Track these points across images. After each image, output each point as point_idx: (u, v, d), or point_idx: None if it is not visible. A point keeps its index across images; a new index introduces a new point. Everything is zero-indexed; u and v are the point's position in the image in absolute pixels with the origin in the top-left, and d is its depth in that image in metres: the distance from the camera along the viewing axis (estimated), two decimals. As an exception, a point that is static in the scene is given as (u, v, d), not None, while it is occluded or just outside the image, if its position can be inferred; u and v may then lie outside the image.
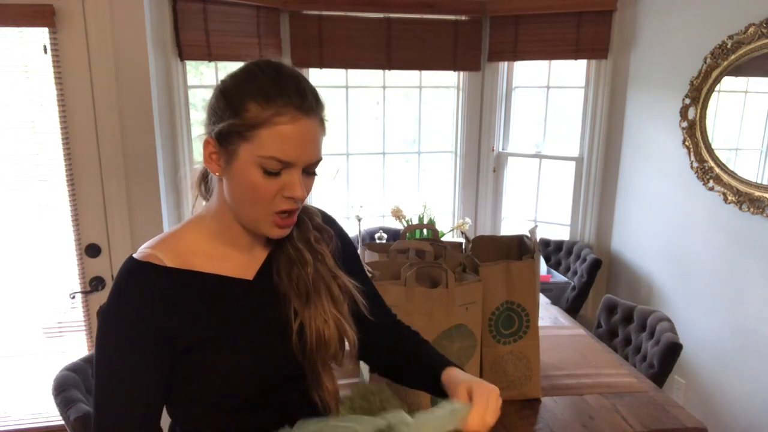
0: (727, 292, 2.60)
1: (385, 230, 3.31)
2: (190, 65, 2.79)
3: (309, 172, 0.90)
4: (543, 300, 2.37)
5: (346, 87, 3.48)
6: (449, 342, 1.49)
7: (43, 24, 2.13)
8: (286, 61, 3.12)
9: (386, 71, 3.47)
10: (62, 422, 1.48)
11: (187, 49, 2.66)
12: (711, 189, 2.64)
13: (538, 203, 3.68)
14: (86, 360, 1.72)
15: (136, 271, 0.89)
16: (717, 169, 2.61)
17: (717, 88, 2.62)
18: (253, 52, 2.96)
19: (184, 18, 2.61)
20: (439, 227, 3.14)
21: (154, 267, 0.89)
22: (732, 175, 2.54)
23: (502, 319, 1.58)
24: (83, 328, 2.44)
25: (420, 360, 1.10)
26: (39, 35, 2.17)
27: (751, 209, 2.42)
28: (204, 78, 2.99)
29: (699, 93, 2.69)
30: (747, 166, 2.50)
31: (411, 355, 1.11)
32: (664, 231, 3.01)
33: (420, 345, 1.14)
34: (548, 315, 2.26)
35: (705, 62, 2.63)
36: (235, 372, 0.91)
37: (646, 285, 3.16)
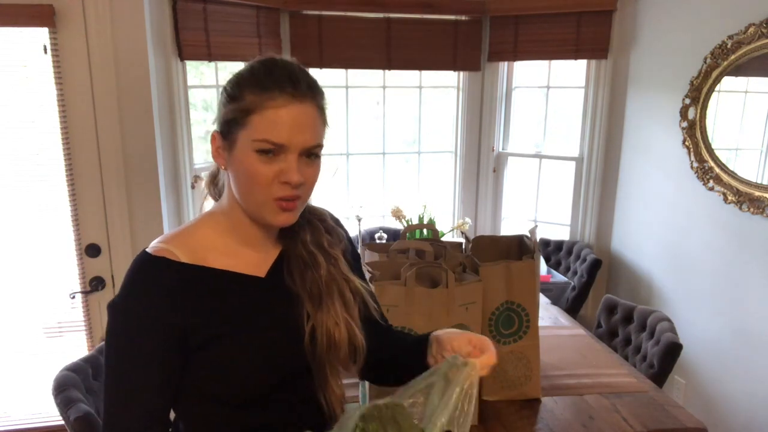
0: (727, 292, 2.60)
1: (385, 230, 3.31)
2: (190, 65, 2.79)
3: (309, 157, 0.90)
4: (543, 300, 2.37)
5: (346, 87, 3.48)
6: (449, 342, 1.49)
7: (43, 24, 2.13)
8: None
9: (386, 71, 3.47)
10: (62, 422, 1.48)
11: (187, 49, 2.66)
12: (711, 189, 2.64)
13: (538, 203, 3.68)
14: (86, 360, 1.72)
15: (149, 266, 0.89)
16: (717, 169, 2.61)
17: (717, 88, 2.62)
18: (253, 52, 2.93)
19: (184, 18, 2.61)
20: (439, 227, 3.15)
21: (168, 263, 0.89)
22: (732, 175, 2.54)
23: (502, 319, 1.58)
24: (83, 328, 2.44)
25: (407, 340, 1.11)
26: (39, 35, 2.17)
27: (751, 209, 2.42)
28: (204, 78, 2.98)
29: (699, 93, 2.69)
30: (747, 166, 2.50)
31: (400, 345, 1.11)
32: (664, 231, 3.01)
33: (402, 332, 1.18)
34: (548, 315, 2.26)
35: (705, 62, 2.63)
36: (244, 368, 0.91)
37: (646, 285, 3.16)
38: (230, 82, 0.93)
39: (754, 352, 2.48)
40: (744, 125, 2.53)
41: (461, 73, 3.55)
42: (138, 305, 0.87)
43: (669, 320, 2.14)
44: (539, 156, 3.61)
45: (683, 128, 2.79)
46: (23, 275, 2.35)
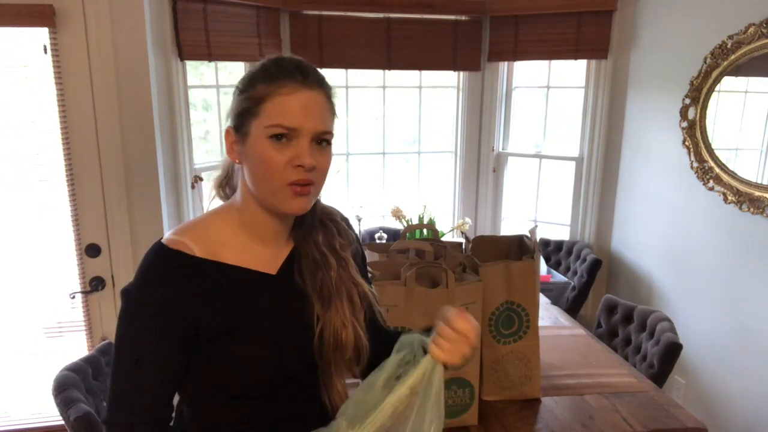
0: (727, 291, 2.60)
1: (385, 230, 3.31)
2: (190, 65, 2.79)
3: (320, 143, 0.93)
4: (543, 300, 2.37)
5: (346, 87, 3.48)
6: (449, 342, 1.49)
7: (43, 24, 2.13)
8: (286, 61, 3.12)
9: (386, 71, 3.47)
10: (62, 422, 1.48)
11: (187, 49, 2.65)
12: (711, 189, 2.64)
13: (538, 203, 3.68)
14: (86, 360, 1.73)
15: (165, 258, 0.91)
16: (717, 169, 2.61)
17: (717, 88, 2.62)
18: (253, 52, 2.96)
19: (184, 18, 2.61)
20: (439, 227, 3.15)
21: (183, 256, 0.91)
22: (732, 175, 2.54)
23: (502, 319, 1.58)
24: (83, 328, 2.44)
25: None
26: (39, 35, 2.17)
27: (751, 209, 2.42)
28: (204, 78, 2.98)
29: (699, 93, 2.69)
30: (747, 166, 2.50)
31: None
32: (664, 231, 3.01)
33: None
34: (548, 315, 2.26)
35: (705, 62, 2.63)
36: (252, 362, 0.94)
37: (646, 285, 3.16)
38: (242, 79, 0.96)
39: (754, 352, 2.48)
40: (744, 125, 2.53)
41: (461, 73, 3.55)
42: (150, 295, 0.90)
43: (669, 320, 2.14)
44: (539, 156, 3.61)
45: (683, 128, 2.79)
46: (23, 275, 2.35)
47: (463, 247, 1.81)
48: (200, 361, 0.93)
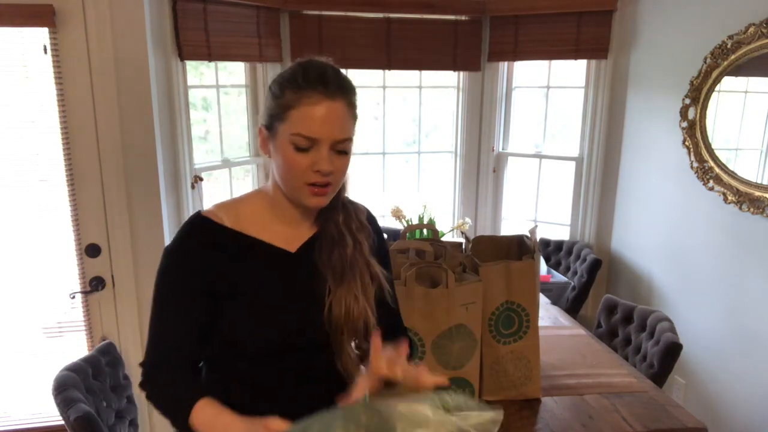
0: (727, 292, 2.60)
1: (385, 230, 3.31)
2: (190, 65, 2.79)
3: (338, 150, 1.03)
4: (543, 300, 2.37)
5: (346, 87, 3.47)
6: (449, 342, 1.49)
7: (43, 24, 2.13)
8: (287, 61, 3.12)
9: (386, 71, 3.47)
10: (62, 422, 1.48)
11: (187, 49, 2.65)
12: (711, 189, 2.64)
13: (538, 203, 3.68)
14: (86, 360, 1.73)
15: (198, 224, 1.08)
16: (717, 169, 2.61)
17: (717, 88, 2.62)
18: (253, 52, 2.96)
19: (184, 18, 2.61)
20: (439, 227, 3.14)
21: (213, 224, 1.07)
22: (732, 175, 2.54)
23: (502, 319, 1.58)
24: (83, 328, 2.44)
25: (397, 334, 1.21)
26: (39, 35, 2.17)
27: (751, 209, 2.42)
28: (204, 78, 2.98)
29: (699, 93, 2.69)
30: (747, 166, 2.50)
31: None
32: (664, 231, 3.01)
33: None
34: (548, 315, 2.26)
35: (705, 62, 2.63)
36: (265, 322, 1.05)
37: (646, 285, 3.16)
38: (275, 82, 1.07)
39: (754, 352, 2.48)
40: (744, 125, 2.53)
41: (461, 73, 3.55)
42: (182, 255, 1.06)
43: (669, 320, 2.14)
44: (539, 156, 3.61)
45: (683, 128, 2.79)
46: (23, 275, 2.35)
47: (463, 247, 1.81)
48: (219, 322, 1.05)
